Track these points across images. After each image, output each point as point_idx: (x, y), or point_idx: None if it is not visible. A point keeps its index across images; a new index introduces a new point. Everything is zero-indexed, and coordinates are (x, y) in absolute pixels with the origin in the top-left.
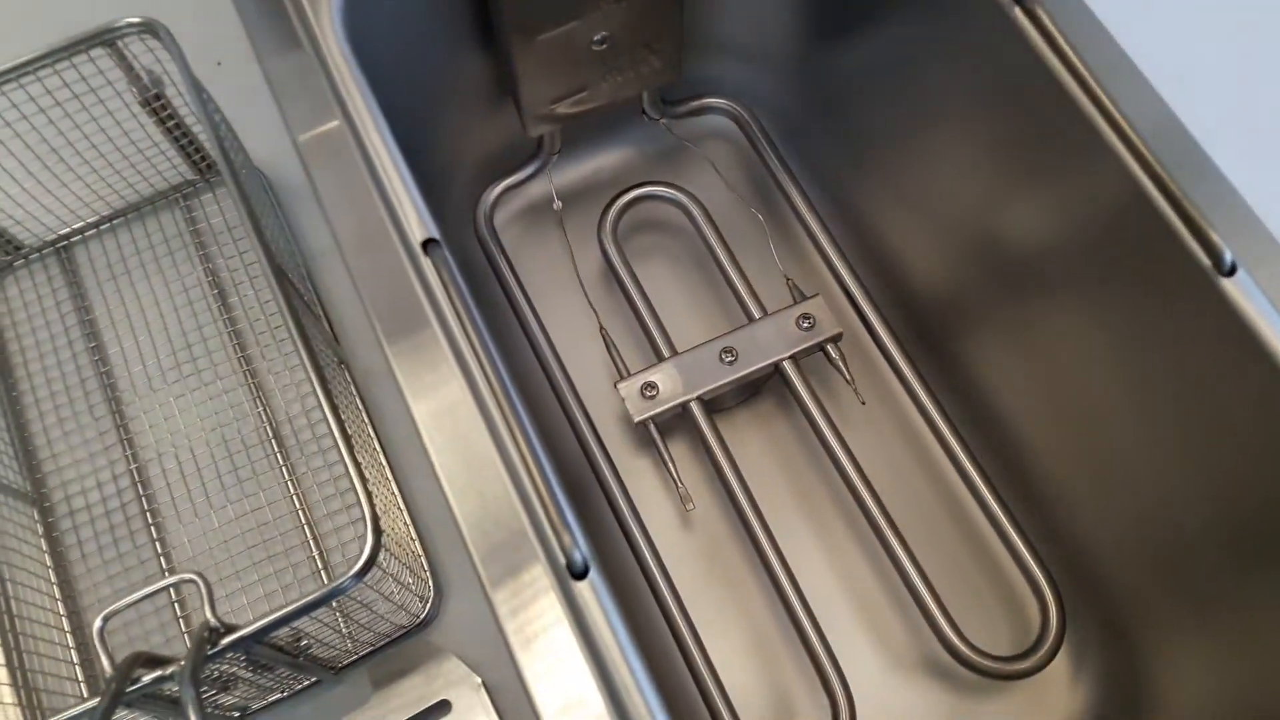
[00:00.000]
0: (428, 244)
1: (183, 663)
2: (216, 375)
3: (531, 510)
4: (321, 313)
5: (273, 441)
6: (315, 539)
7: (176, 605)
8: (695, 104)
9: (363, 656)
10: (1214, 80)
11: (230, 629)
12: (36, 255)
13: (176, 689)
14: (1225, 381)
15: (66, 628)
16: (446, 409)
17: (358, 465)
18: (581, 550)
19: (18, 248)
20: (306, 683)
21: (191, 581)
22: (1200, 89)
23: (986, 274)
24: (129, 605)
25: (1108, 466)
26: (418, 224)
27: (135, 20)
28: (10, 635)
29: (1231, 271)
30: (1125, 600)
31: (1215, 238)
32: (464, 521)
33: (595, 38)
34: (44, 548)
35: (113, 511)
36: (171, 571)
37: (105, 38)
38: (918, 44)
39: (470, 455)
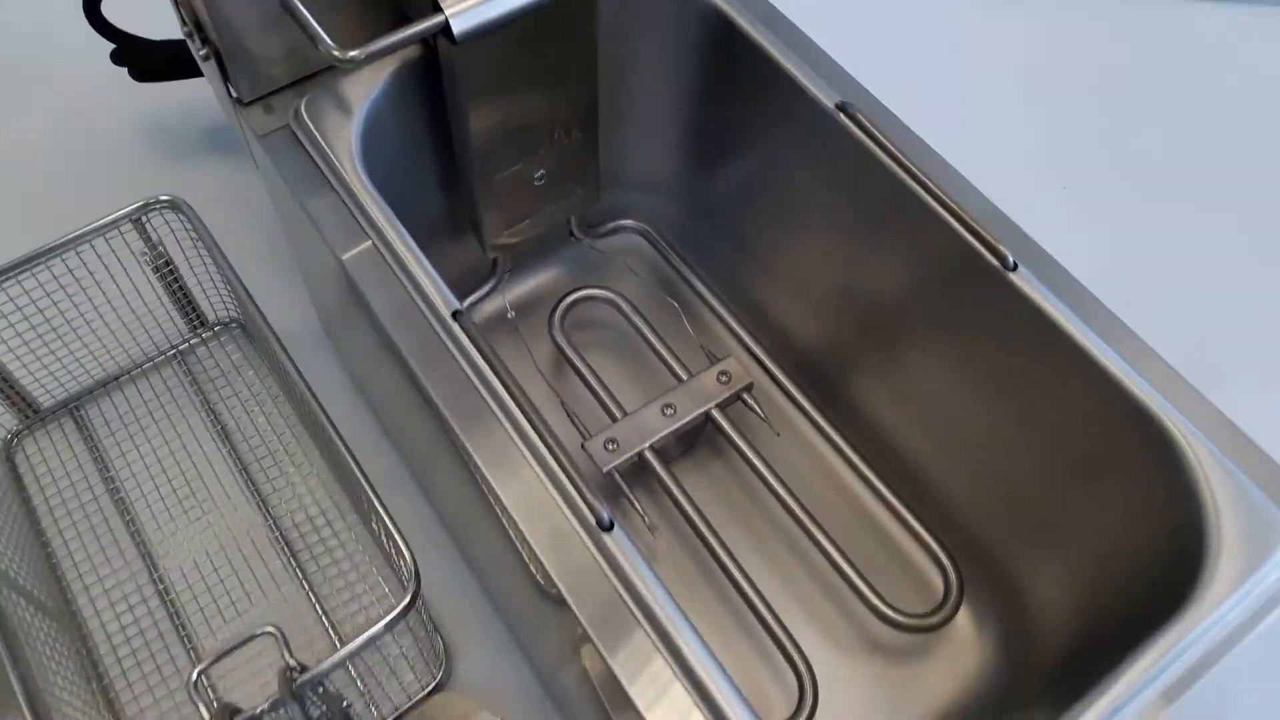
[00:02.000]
0: (456, 314)
1: (278, 693)
2: (226, 495)
3: (569, 498)
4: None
5: (285, 548)
6: (333, 625)
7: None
8: (611, 225)
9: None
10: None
11: (305, 668)
12: (52, 415)
13: None
14: (1025, 352)
15: None
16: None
17: (394, 524)
18: (605, 513)
19: (36, 410)
20: None
21: (270, 634)
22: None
23: (851, 322)
24: (220, 658)
25: (967, 450)
26: (443, 302)
27: (165, 198)
28: None
29: (1015, 267)
30: (999, 551)
31: (1001, 247)
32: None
33: (536, 175)
34: (87, 670)
35: (146, 629)
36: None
37: (135, 215)
38: (771, 153)
39: (515, 469)
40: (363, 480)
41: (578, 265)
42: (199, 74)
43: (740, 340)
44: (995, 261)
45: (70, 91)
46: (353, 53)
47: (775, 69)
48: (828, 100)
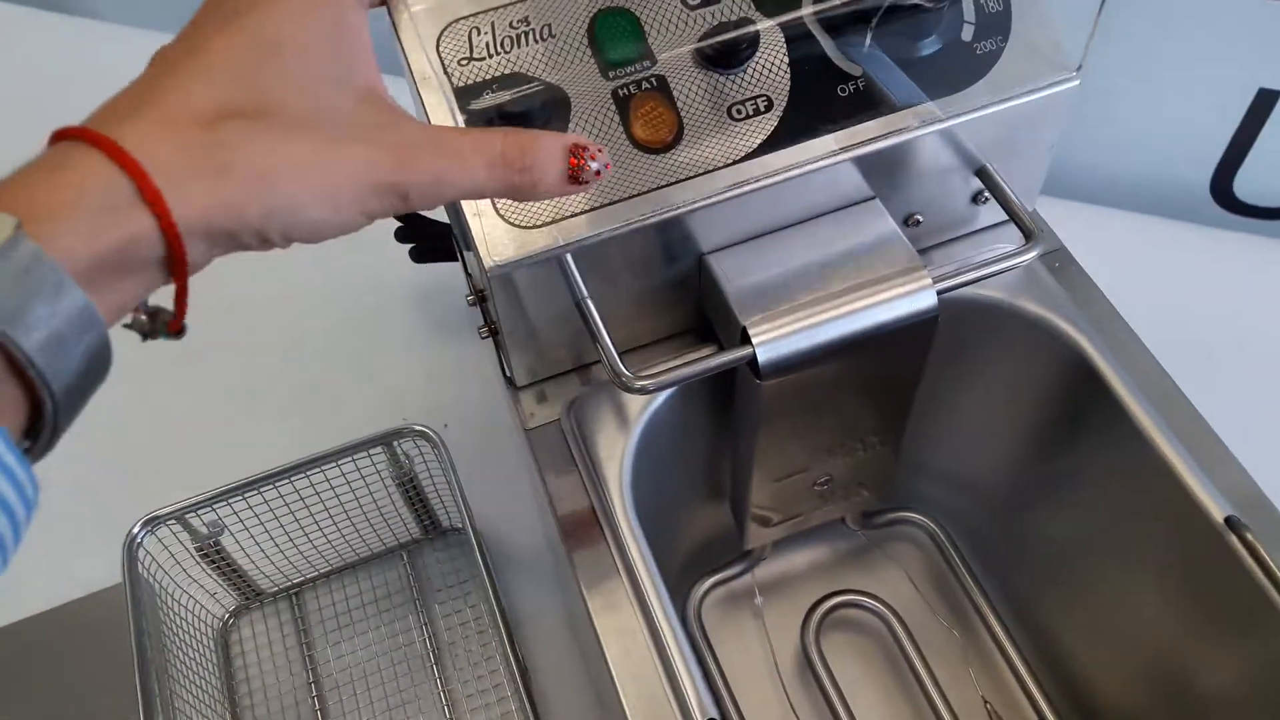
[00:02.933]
0: None
1: None
2: None
3: None
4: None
5: None
6: None
7: None
8: (892, 516)
9: None
10: None
11: None
12: (271, 599)
13: None
14: None
15: None
16: None
17: None
18: None
19: (258, 594)
20: None
21: None
22: None
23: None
24: None
25: None
26: (698, 705)
27: (418, 427)
28: None
29: None
30: None
31: None
32: None
33: (820, 479)
34: None
35: None
36: None
37: (388, 439)
38: (1117, 511)
39: None
40: None
41: (840, 551)
42: None
43: (1029, 695)
44: None
45: (348, 261)
46: (644, 383)
47: (1150, 452)
48: (1215, 512)
